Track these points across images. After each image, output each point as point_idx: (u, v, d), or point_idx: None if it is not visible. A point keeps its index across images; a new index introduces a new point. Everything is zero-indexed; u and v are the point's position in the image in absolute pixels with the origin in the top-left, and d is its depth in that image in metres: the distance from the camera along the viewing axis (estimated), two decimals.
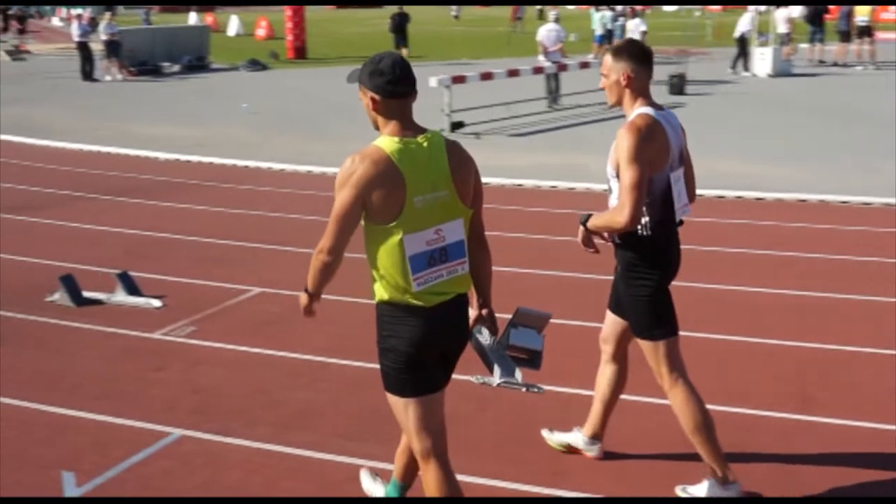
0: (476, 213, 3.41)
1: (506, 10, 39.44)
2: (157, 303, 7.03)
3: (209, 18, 49.31)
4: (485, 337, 3.52)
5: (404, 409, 3.30)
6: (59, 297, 7.08)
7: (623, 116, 3.97)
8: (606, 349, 4.29)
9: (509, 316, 3.65)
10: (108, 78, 26.19)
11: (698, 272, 7.57)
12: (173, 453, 4.64)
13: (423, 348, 3.23)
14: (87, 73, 26.02)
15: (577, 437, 4.54)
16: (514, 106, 16.94)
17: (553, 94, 18.64)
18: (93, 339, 6.33)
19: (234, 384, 5.52)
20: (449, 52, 32.52)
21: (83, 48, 26.16)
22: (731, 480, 4.01)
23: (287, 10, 31.85)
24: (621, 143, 3.76)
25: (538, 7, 59.14)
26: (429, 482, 3.35)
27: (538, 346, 3.57)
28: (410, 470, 3.77)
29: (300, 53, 31.71)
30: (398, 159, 3.18)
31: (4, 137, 16.23)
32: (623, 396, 4.50)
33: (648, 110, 3.86)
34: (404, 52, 29.33)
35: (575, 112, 17.90)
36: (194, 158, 13.86)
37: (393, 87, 3.27)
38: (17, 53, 37.52)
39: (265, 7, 59.11)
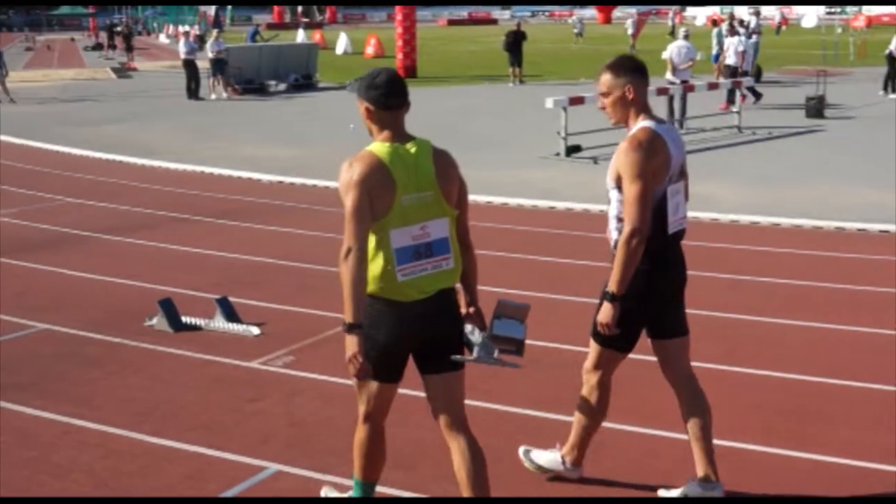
0: (461, 216, 3.95)
1: (648, 30, 39.11)
2: (255, 330, 7.17)
3: (317, 36, 50.52)
4: (475, 335, 3.97)
5: (366, 387, 3.97)
6: (158, 321, 7.28)
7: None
8: (592, 378, 4.44)
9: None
10: (213, 97, 27.07)
11: (857, 314, 7.30)
12: (269, 489, 4.69)
13: (399, 341, 3.81)
14: (193, 92, 26.96)
15: (557, 459, 4.72)
16: None
17: (678, 117, 18.38)
18: (189, 367, 6.49)
19: (333, 418, 5.56)
20: (567, 72, 32.48)
21: (189, 66, 27.15)
22: (714, 480, 4.24)
23: (398, 28, 32.36)
24: (623, 157, 4.02)
25: (670, 23, 58.56)
26: (359, 438, 4.10)
27: (521, 335, 3.94)
28: (376, 466, 4.22)
29: (410, 72, 32.14)
30: (389, 162, 3.74)
31: (107, 156, 16.91)
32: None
33: (650, 123, 4.09)
34: (516, 70, 29.45)
35: (702, 136, 17.60)
36: (299, 181, 14.15)
37: (386, 99, 3.83)
38: (123, 71, 39.19)
39: (363, 24, 60.13)
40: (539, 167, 14.88)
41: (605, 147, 15.81)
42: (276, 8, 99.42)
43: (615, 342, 4.27)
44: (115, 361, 6.61)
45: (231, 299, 7.55)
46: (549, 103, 15.58)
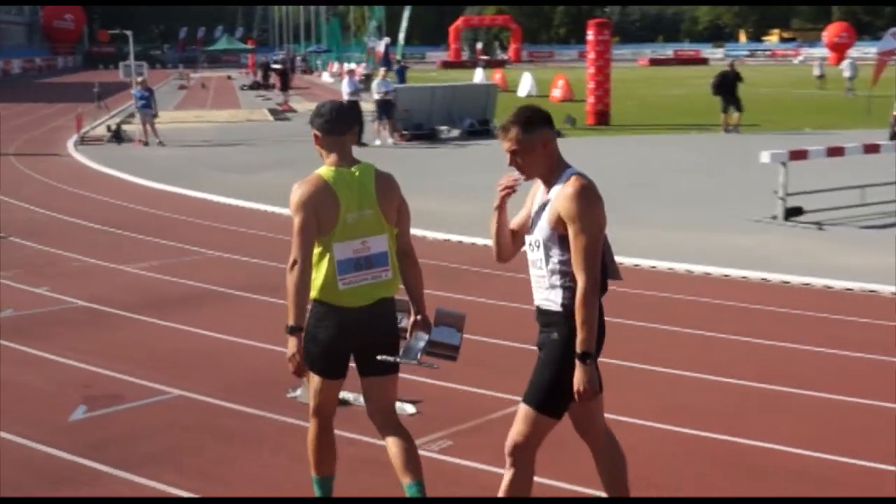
0: (402, 232, 5.11)
1: (889, 73, 37.89)
2: (410, 409, 7.24)
3: (497, 76, 51.34)
4: (418, 341, 5.08)
5: (313, 382, 5.11)
6: (301, 393, 7.44)
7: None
8: (518, 456, 4.74)
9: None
10: (377, 143, 27.83)
11: None
12: None
13: (339, 341, 4.89)
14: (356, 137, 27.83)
15: None
16: (870, 190, 16.18)
17: None
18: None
19: None
20: (788, 120, 31.80)
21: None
22: None
23: (589, 68, 32.53)
24: (574, 206, 4.41)
25: None
26: (310, 434, 5.24)
27: (456, 342, 5.13)
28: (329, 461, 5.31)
29: (602, 119, 32.22)
30: (333, 183, 4.89)
31: (255, 206, 17.58)
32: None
33: (579, 170, 4.57)
34: (735, 116, 28.98)
35: None
36: (468, 240, 14.32)
37: (329, 126, 5.03)
38: (280, 112, 40.84)
39: (550, 62, 60.49)
40: (751, 232, 14.56)
41: (833, 210, 15.32)
42: (451, 45, 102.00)
43: (559, 408, 4.62)
44: (252, 436, 6.80)
45: None
46: (764, 157, 15.27)
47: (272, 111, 41.55)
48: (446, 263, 12.84)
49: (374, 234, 4.98)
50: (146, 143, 28.43)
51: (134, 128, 30.87)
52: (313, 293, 4.92)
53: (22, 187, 20.37)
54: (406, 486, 5.06)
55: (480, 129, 30.03)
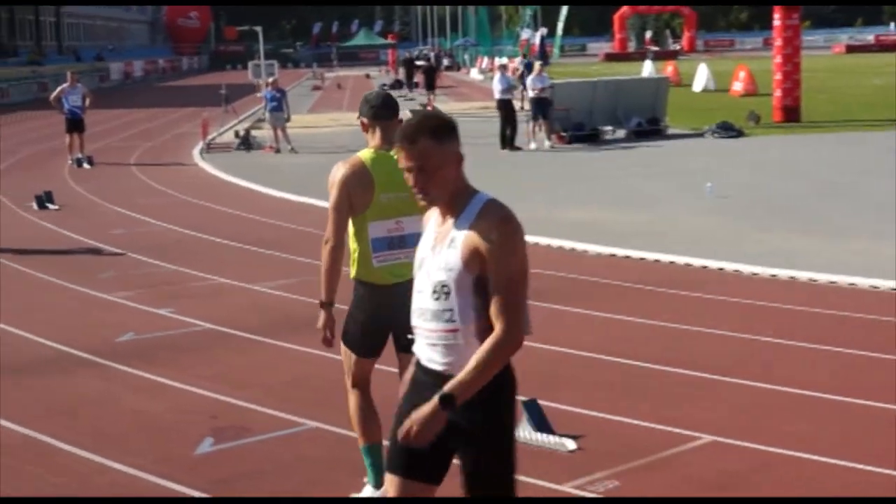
0: None
1: None
2: (570, 444, 7.21)
3: (669, 69, 50.85)
4: None
5: (349, 358, 6.20)
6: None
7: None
8: None
9: None
10: (532, 146, 27.82)
11: None
12: None
13: (375, 321, 5.93)
14: (508, 139, 27.83)
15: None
16: None
17: None
18: None
19: None
20: None
21: (505, 107, 28.09)
22: None
23: (776, 57, 31.92)
24: (500, 240, 4.06)
25: None
26: (351, 406, 6.25)
27: None
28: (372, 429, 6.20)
29: (791, 115, 31.56)
30: (370, 165, 5.93)
31: None
32: None
33: (493, 196, 4.24)
34: None
35: None
36: (633, 253, 14.21)
37: (375, 111, 6.02)
38: None
39: (730, 52, 59.66)
40: None
41: None
42: (616, 35, 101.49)
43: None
44: None
45: (541, 402, 7.66)
46: None
47: (413, 113, 41.96)
48: (608, 281, 12.75)
49: (409, 214, 5.87)
50: (277, 150, 29.04)
51: (264, 133, 31.47)
52: (352, 272, 6.02)
53: (143, 199, 21.02)
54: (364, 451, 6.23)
55: (649, 130, 29.82)
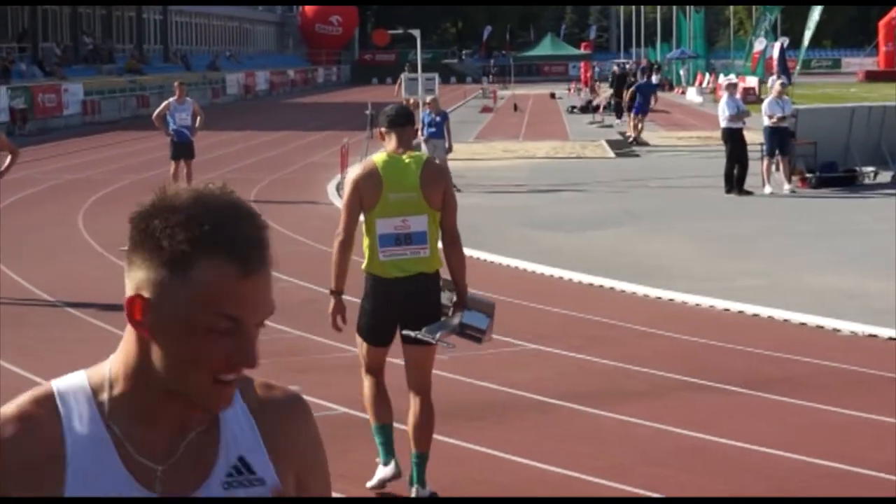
0: (446, 218, 8.42)
1: None
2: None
3: None
4: (453, 318, 8.36)
5: (361, 346, 8.66)
6: None
7: None
8: None
9: None
10: (766, 190, 27.49)
11: None
12: None
13: (383, 311, 8.23)
14: (736, 181, 27.43)
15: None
16: None
17: None
18: None
19: None
20: None
21: (732, 138, 27.70)
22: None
23: None
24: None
25: None
26: (365, 389, 8.69)
27: (483, 326, 8.42)
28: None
29: None
30: (382, 166, 8.34)
31: (587, 279, 17.74)
32: None
33: None
34: None
35: None
36: (885, 332, 14.05)
37: (390, 120, 8.53)
38: (626, 145, 41.16)
39: None
40: None
41: None
42: (881, 48, 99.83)
43: None
44: None
45: None
46: None
47: (614, 144, 41.93)
48: (864, 369, 12.51)
49: (415, 214, 8.32)
50: None
51: None
52: (364, 265, 8.59)
53: None
54: (412, 455, 8.59)
55: None
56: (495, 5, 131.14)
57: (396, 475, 8.69)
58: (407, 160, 8.42)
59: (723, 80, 45.63)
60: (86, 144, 47.10)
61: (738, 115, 28.13)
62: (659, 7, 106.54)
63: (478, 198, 27.79)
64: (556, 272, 18.39)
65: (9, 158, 16.83)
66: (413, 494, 8.60)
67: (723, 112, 28.34)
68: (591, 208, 25.86)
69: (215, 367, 2.55)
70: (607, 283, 17.45)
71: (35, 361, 12.99)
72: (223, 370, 2.57)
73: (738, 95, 29.36)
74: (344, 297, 8.72)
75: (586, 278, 17.84)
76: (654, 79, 78.17)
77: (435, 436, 10.29)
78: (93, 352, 12.23)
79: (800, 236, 21.49)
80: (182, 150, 27.89)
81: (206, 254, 2.49)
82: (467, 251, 20.25)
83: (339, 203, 26.96)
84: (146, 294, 2.50)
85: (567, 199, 27.65)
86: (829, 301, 15.68)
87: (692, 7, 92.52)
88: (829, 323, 14.61)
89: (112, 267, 19.36)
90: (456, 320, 8.40)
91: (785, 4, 65.79)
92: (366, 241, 8.43)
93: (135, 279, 2.52)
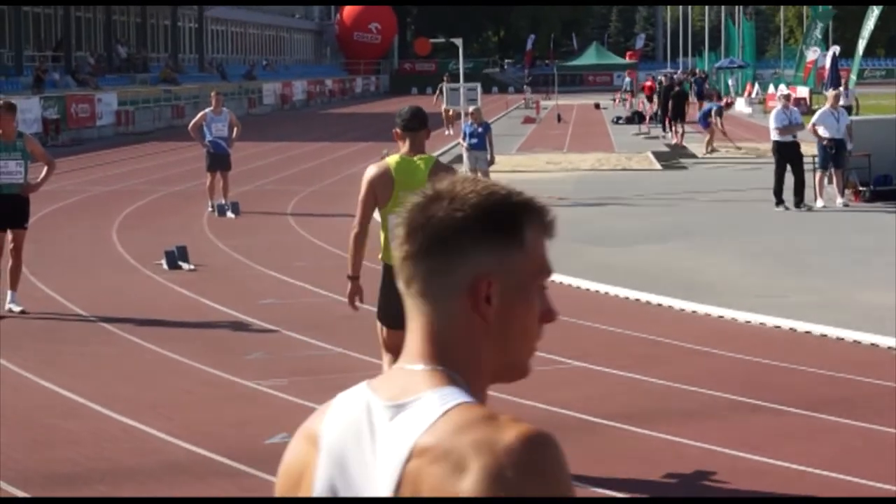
0: None
1: None
2: None
3: None
4: None
5: (380, 329, 10.30)
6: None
7: None
8: None
9: None
10: (819, 203, 27.32)
11: None
12: None
13: (396, 296, 7.49)
14: (795, 193, 26.94)
15: None
16: None
17: None
18: None
19: None
20: None
21: (783, 150, 27.37)
22: None
23: None
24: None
25: None
26: (384, 366, 10.13)
27: None
28: None
29: None
30: (394, 168, 9.93)
31: (636, 295, 17.64)
32: None
33: None
34: None
35: None
36: None
37: (405, 123, 10.10)
38: (674, 157, 41.02)
39: None
40: None
41: None
42: None
43: None
44: None
45: None
46: None
47: (660, 156, 41.84)
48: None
49: None
50: None
51: None
52: (383, 256, 10.16)
53: (301, 259, 21.44)
54: None
55: None
56: (541, 5, 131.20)
57: None
58: (418, 161, 9.97)
59: (779, 91, 45.32)
60: (119, 156, 47.27)
61: (788, 127, 27.71)
62: (707, 14, 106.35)
63: None
64: (603, 287, 18.33)
65: (45, 170, 16.87)
66: None
67: (773, 124, 28.00)
68: (638, 222, 25.77)
69: (539, 328, 2.82)
70: (655, 299, 17.37)
71: (70, 378, 12.99)
72: (540, 331, 2.84)
73: (788, 107, 28.77)
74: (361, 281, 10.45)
75: (634, 294, 17.77)
76: (701, 86, 77.30)
77: None
78: (129, 368, 12.39)
79: (853, 252, 21.36)
80: (218, 161, 27.96)
81: (530, 221, 2.78)
82: None
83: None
84: (491, 275, 2.69)
85: (613, 213, 27.56)
86: (884, 318, 15.55)
87: (743, 14, 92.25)
88: (884, 341, 14.49)
89: (147, 281, 19.45)
90: None
91: (836, 4, 65.31)
92: (382, 234, 10.14)
93: (474, 266, 2.70)
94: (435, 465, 2.59)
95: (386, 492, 2.63)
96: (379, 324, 10.28)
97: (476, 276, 2.68)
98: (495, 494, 2.53)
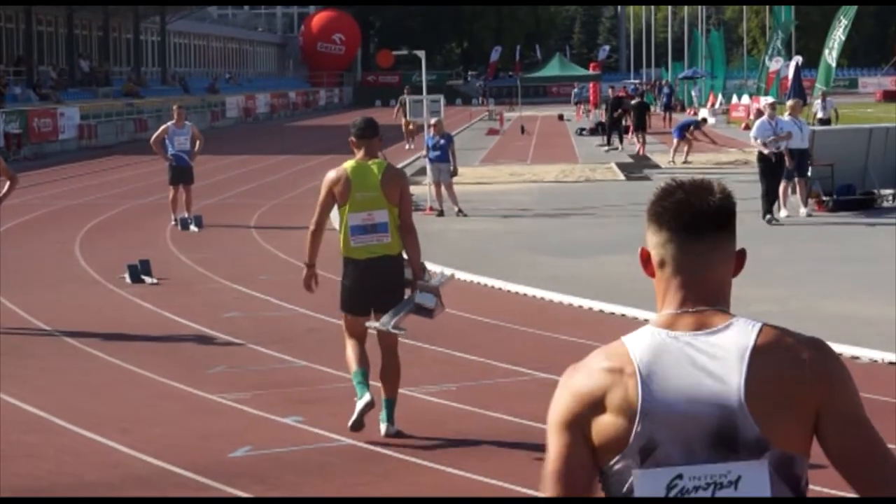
0: (403, 211, 11.23)
1: None
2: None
3: None
4: (410, 299, 11.18)
5: (344, 317, 11.44)
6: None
7: None
8: None
9: None
10: (782, 213, 27.32)
11: None
12: None
13: (358, 286, 11.24)
14: (769, 204, 26.87)
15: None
16: None
17: None
18: None
19: None
20: None
21: (768, 161, 27.21)
22: None
23: None
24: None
25: None
26: (347, 348, 11.22)
27: (430, 305, 11.22)
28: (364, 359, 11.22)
29: None
30: (350, 171, 11.22)
31: (600, 306, 17.63)
32: None
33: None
34: None
35: None
36: None
37: (359, 132, 11.41)
38: (636, 168, 41.04)
39: None
40: None
41: None
42: None
43: None
44: None
45: None
46: None
47: (624, 167, 41.92)
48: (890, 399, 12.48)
49: (377, 208, 11.03)
50: (440, 213, 29.19)
51: (423, 190, 31.44)
52: (342, 251, 11.23)
53: (265, 272, 21.41)
54: (383, 400, 11.07)
55: None
56: (506, 10, 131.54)
57: (370, 404, 10.66)
58: (371, 165, 11.21)
59: (762, 101, 45.14)
60: (82, 170, 47.17)
61: (774, 139, 27.01)
62: (670, 25, 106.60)
63: (485, 222, 27.77)
64: (567, 299, 18.31)
65: (7, 185, 16.79)
66: (382, 431, 11.02)
67: (756, 133, 27.42)
68: (602, 233, 25.79)
69: None
70: (619, 309, 17.39)
71: (34, 393, 12.95)
72: None
73: (766, 119, 28.03)
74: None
75: (598, 305, 17.78)
76: (667, 98, 77.61)
77: (440, 466, 10.35)
78: (92, 382, 12.28)
79: (816, 261, 21.45)
80: (181, 174, 27.91)
81: None
82: (475, 277, 20.49)
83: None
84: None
85: (578, 224, 27.59)
86: (847, 328, 15.60)
87: (709, 24, 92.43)
88: (847, 350, 14.51)
89: (110, 295, 19.38)
90: (412, 301, 11.11)
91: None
92: (340, 233, 11.26)
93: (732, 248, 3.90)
94: (776, 356, 3.62)
95: (736, 381, 3.49)
96: (342, 313, 11.33)
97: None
98: (836, 367, 3.70)
